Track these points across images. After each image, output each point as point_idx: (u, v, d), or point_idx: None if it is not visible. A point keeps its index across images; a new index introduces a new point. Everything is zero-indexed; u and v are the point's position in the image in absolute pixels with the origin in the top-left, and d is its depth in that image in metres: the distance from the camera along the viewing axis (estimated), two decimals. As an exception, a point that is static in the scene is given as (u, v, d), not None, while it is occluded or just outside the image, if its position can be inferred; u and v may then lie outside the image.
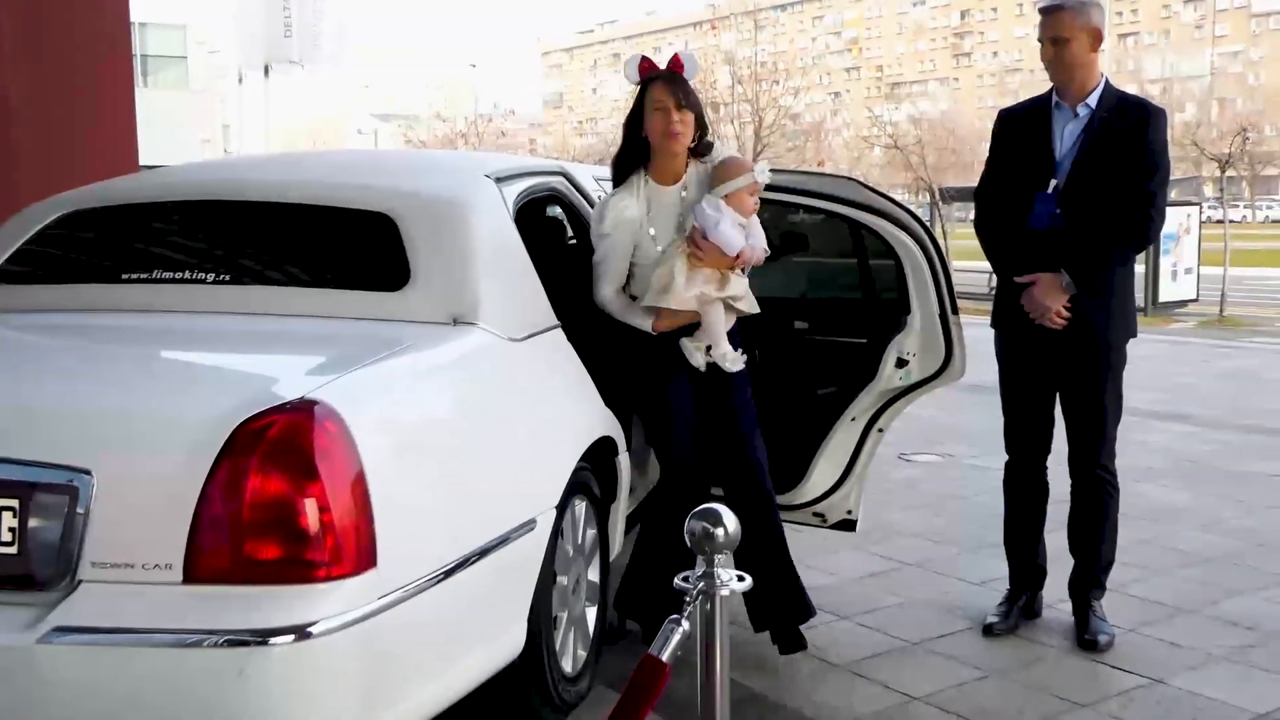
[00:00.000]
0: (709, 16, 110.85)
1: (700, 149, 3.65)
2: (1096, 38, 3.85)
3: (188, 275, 3.11)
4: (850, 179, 4.23)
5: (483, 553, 2.62)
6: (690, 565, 2.10)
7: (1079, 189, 3.80)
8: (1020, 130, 4.05)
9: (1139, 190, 3.79)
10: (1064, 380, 3.88)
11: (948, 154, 37.44)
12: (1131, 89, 4.08)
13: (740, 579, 2.03)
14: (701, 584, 2.00)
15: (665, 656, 1.88)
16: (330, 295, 3.03)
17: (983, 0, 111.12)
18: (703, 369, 3.52)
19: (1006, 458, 4.07)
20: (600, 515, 3.49)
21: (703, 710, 2.05)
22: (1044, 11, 3.95)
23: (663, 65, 3.66)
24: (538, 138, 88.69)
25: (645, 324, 3.53)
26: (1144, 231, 3.88)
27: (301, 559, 2.21)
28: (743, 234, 3.47)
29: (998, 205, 4.04)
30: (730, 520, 2.02)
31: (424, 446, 2.57)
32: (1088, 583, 3.86)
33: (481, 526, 2.67)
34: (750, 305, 3.58)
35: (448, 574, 2.49)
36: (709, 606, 1.99)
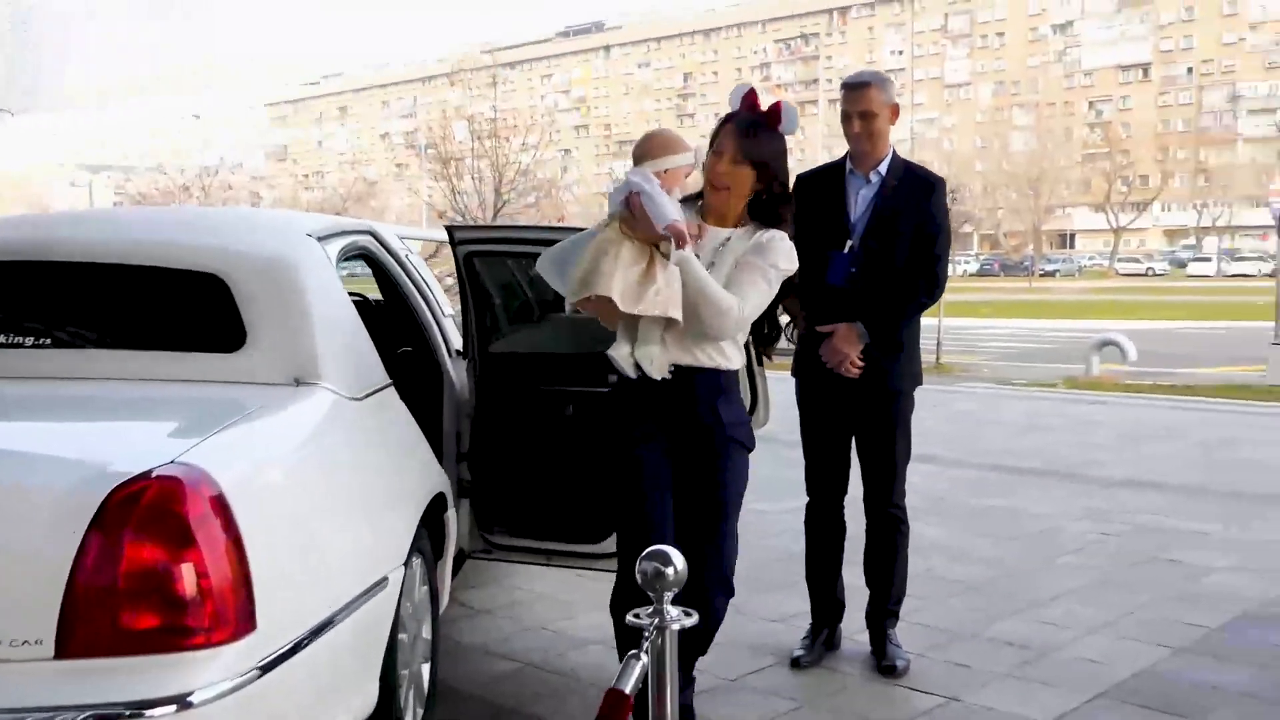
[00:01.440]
0: (439, 71, 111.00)
1: (763, 213, 3.19)
2: (895, 112, 4.13)
3: (8, 340, 2.97)
4: None
5: (346, 612, 2.62)
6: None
7: (872, 250, 4.05)
8: (817, 193, 4.22)
9: (926, 253, 4.08)
10: (859, 425, 4.12)
11: (682, 208, 38.70)
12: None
13: (687, 614, 2.12)
14: (655, 620, 2.09)
15: (628, 689, 1.98)
16: (164, 358, 2.95)
17: (704, 65, 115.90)
18: (659, 376, 3.07)
19: (800, 500, 4.26)
20: (430, 571, 3.49)
21: None
22: (851, 87, 4.16)
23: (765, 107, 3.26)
24: (261, 191, 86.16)
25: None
26: (930, 290, 4.14)
27: (180, 626, 2.17)
28: (677, 209, 3.03)
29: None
30: (678, 560, 2.10)
31: (289, 507, 2.55)
32: (883, 614, 4.12)
33: (344, 585, 2.67)
34: (675, 308, 3.03)
35: (316, 634, 2.48)
36: (660, 642, 2.09)
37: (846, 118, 4.14)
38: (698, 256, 3.07)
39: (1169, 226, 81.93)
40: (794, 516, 4.42)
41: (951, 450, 8.46)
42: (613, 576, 4.29)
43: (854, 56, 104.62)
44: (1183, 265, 68.96)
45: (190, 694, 2.13)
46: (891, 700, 3.74)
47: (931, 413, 10.91)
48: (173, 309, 3.12)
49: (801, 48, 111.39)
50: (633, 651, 2.05)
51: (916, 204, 4.12)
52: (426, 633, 3.43)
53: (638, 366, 3.08)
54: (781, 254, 3.10)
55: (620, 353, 3.09)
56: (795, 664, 4.08)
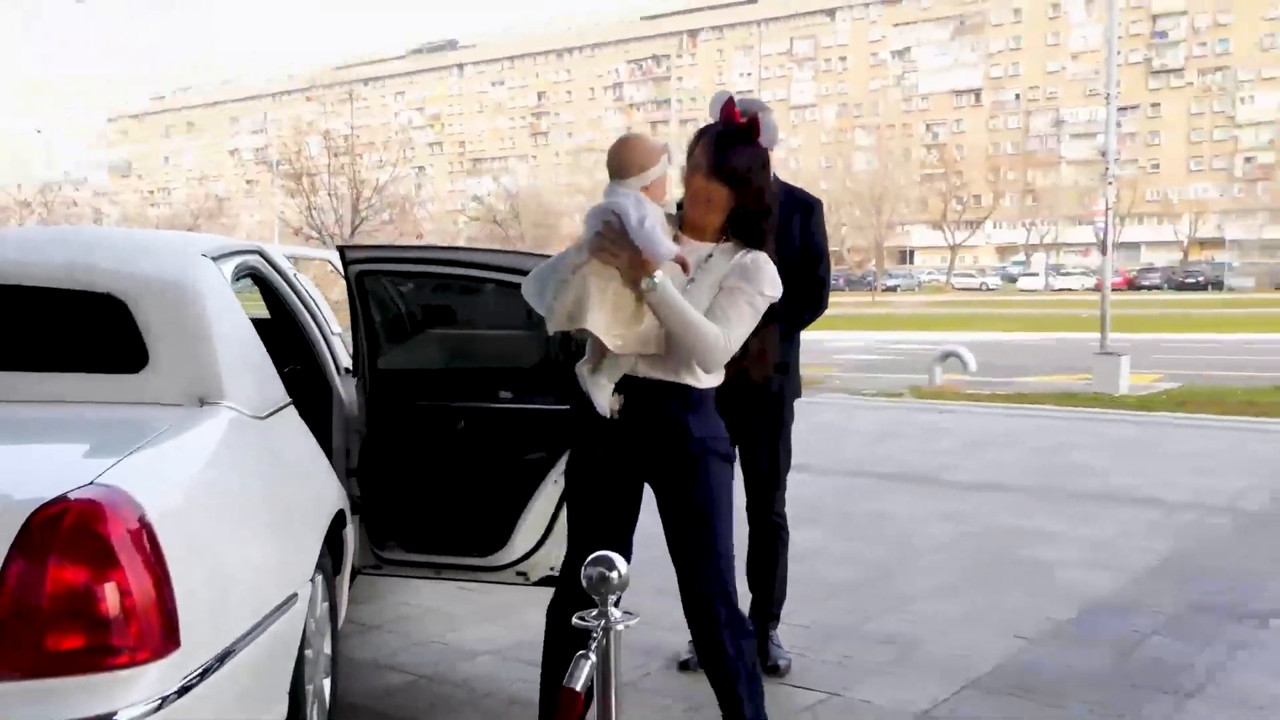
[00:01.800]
0: (291, 87, 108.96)
1: (744, 230, 2.97)
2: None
3: None
4: (550, 256, 4.36)
5: (261, 628, 2.60)
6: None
7: None
8: None
9: (811, 275, 4.22)
10: (743, 435, 4.20)
11: (543, 226, 38.79)
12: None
13: (628, 614, 2.21)
14: (601, 622, 2.18)
15: (579, 687, 2.06)
16: (67, 379, 2.88)
17: (557, 84, 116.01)
18: (608, 414, 2.88)
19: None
20: (330, 587, 3.47)
21: None
22: None
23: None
24: (103, 206, 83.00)
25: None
26: (815, 308, 4.30)
27: (105, 646, 2.14)
28: (668, 236, 2.80)
29: None
30: (621, 564, 2.18)
31: (206, 526, 2.53)
32: (766, 616, 4.24)
33: (259, 601, 2.66)
34: (660, 343, 2.86)
35: (234, 650, 2.46)
36: (605, 642, 2.18)
37: None
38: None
39: (1000, 244, 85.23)
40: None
41: (818, 459, 8.63)
42: (498, 589, 4.37)
43: (704, 78, 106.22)
44: (1014, 280, 72.14)
45: (115, 714, 2.11)
46: (776, 698, 3.84)
47: (797, 424, 11.24)
48: (73, 330, 3.05)
49: (653, 68, 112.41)
50: (581, 651, 2.13)
51: (801, 225, 4.24)
52: (327, 648, 3.41)
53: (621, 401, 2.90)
54: (767, 280, 2.89)
55: (600, 381, 2.88)
56: (683, 666, 4.17)
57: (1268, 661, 4.36)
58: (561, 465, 3.84)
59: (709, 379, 2.93)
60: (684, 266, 2.75)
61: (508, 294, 3.73)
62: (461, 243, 36.62)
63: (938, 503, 7.26)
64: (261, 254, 4.03)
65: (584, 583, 2.24)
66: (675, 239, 2.85)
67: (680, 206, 3.01)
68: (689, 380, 2.88)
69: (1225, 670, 4.21)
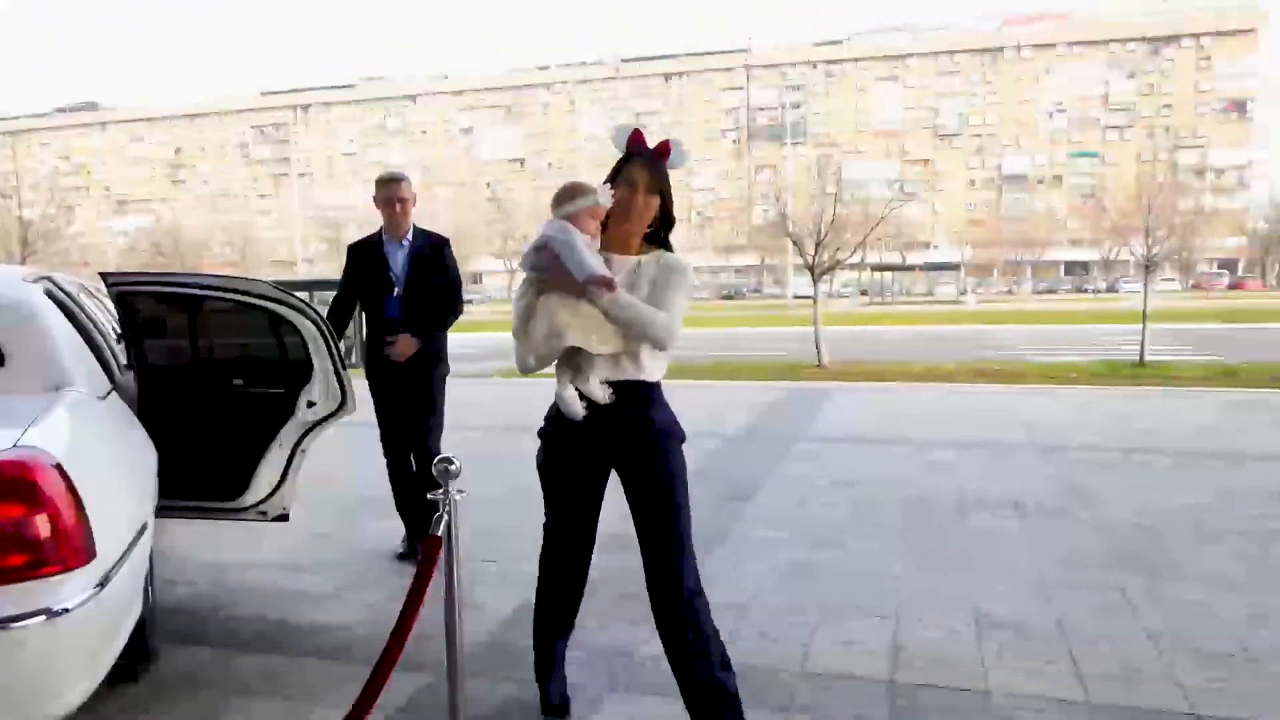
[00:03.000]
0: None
1: (660, 239, 2.70)
2: (414, 199, 4.46)
3: None
4: (260, 280, 4.01)
5: (135, 542, 2.74)
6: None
7: (412, 292, 4.39)
8: (365, 257, 4.46)
9: (450, 294, 4.46)
10: (410, 399, 4.47)
11: (190, 256, 35.59)
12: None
13: (460, 491, 2.44)
14: (445, 497, 2.44)
15: (440, 533, 2.31)
16: None
17: (192, 141, 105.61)
18: (579, 415, 2.56)
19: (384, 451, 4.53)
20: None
21: (446, 585, 2.42)
22: (388, 182, 4.40)
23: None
24: None
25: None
26: (455, 313, 4.51)
27: (42, 560, 2.27)
28: (597, 258, 2.52)
29: (352, 304, 4.54)
30: (459, 461, 2.45)
31: (97, 469, 2.64)
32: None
33: (132, 524, 2.79)
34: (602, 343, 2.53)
35: (124, 559, 2.60)
36: (450, 511, 2.42)
37: (388, 202, 4.36)
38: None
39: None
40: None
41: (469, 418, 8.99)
42: (237, 525, 4.34)
43: (318, 143, 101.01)
44: (553, 295, 75.04)
45: (54, 606, 2.25)
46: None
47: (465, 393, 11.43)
48: None
49: (274, 133, 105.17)
50: (437, 514, 2.37)
51: (437, 258, 4.44)
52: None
53: (587, 406, 2.57)
54: (690, 276, 2.60)
55: (569, 393, 2.57)
56: (401, 558, 4.47)
57: (751, 519, 5.23)
58: (286, 431, 3.81)
59: (658, 372, 2.62)
60: (607, 287, 2.45)
61: (236, 308, 3.67)
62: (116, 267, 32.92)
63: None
64: (51, 279, 3.89)
65: (433, 472, 2.45)
66: (607, 261, 2.57)
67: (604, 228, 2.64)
68: (643, 376, 2.57)
69: (730, 526, 5.07)
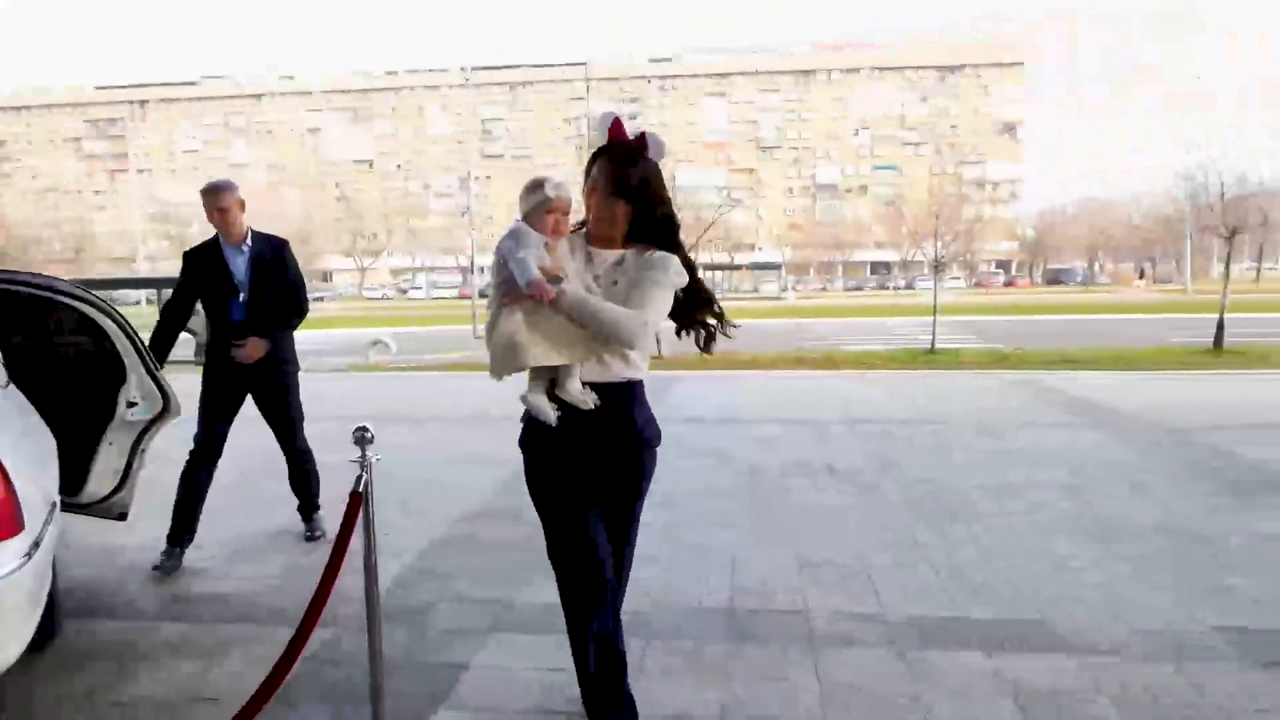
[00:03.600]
0: None
1: (648, 236, 2.35)
2: (243, 204, 4.22)
3: None
4: (59, 278, 3.69)
5: (48, 520, 2.77)
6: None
7: (256, 296, 4.23)
8: (205, 262, 4.23)
9: (294, 297, 4.35)
10: (259, 392, 4.34)
11: (17, 249, 32.50)
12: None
13: (376, 457, 2.46)
14: (363, 460, 2.50)
15: (360, 490, 2.42)
16: None
17: (19, 135, 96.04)
18: (552, 420, 2.29)
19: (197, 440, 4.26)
20: None
21: (365, 538, 2.48)
22: (214, 191, 4.14)
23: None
24: None
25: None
26: (300, 315, 4.42)
27: None
28: (537, 262, 2.20)
29: (188, 308, 4.25)
30: (372, 430, 2.42)
31: (16, 451, 2.65)
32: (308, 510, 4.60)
33: (45, 503, 2.80)
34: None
35: (44, 532, 2.64)
36: (368, 471, 2.51)
37: (220, 211, 4.13)
38: (597, 280, 2.30)
39: (395, 267, 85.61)
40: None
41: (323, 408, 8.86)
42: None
43: (158, 139, 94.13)
44: (405, 292, 73.19)
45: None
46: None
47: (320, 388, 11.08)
48: None
49: (109, 128, 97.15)
50: (358, 474, 2.46)
51: (277, 260, 4.30)
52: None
53: (559, 408, 2.30)
54: (672, 269, 2.29)
55: (539, 401, 2.30)
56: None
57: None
58: (117, 432, 3.64)
59: (640, 371, 2.38)
60: (540, 295, 2.16)
61: (48, 304, 3.46)
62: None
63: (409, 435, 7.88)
64: None
65: (353, 439, 2.46)
66: (589, 257, 2.33)
67: (584, 224, 2.41)
68: (629, 375, 2.34)
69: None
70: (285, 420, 4.45)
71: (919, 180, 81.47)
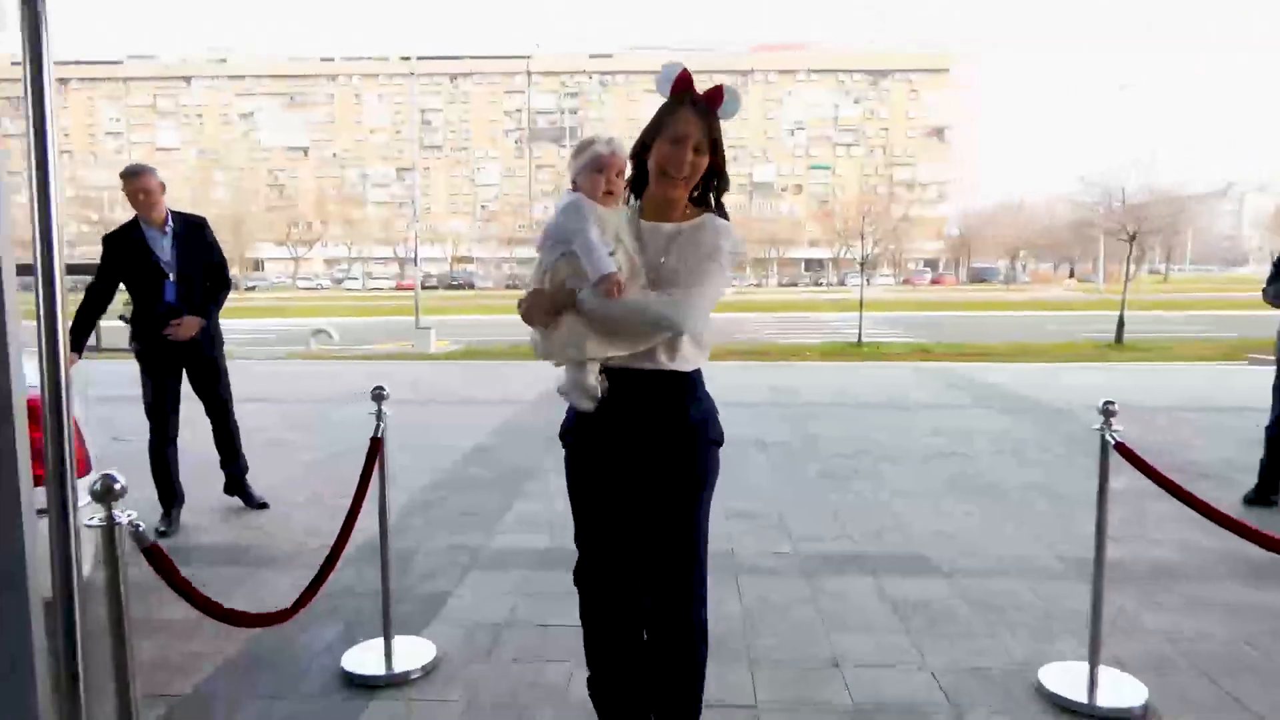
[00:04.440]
0: None
1: (708, 201, 2.04)
2: (163, 187, 4.28)
3: None
4: None
5: None
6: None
7: (183, 275, 4.29)
8: (126, 246, 4.21)
9: (221, 273, 4.41)
10: (192, 369, 4.40)
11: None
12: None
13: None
14: (379, 412, 2.78)
15: (378, 435, 2.82)
16: None
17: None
18: (587, 407, 1.98)
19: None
20: None
21: (380, 477, 2.77)
22: (127, 176, 4.14)
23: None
24: None
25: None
26: (226, 288, 4.42)
27: None
28: (607, 245, 1.89)
29: (109, 293, 4.24)
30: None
31: None
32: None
33: None
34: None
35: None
36: (383, 420, 2.81)
37: (144, 193, 4.15)
38: (644, 256, 1.95)
39: (329, 257, 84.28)
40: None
41: (268, 389, 9.31)
42: None
43: (77, 121, 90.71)
44: (340, 282, 72.15)
45: None
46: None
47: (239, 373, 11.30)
48: None
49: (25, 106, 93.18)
50: (376, 423, 2.86)
51: (201, 239, 4.36)
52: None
53: (605, 391, 1.98)
54: (732, 239, 1.95)
55: (588, 379, 1.98)
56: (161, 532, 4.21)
57: (560, 456, 6.22)
58: None
59: (698, 359, 2.03)
60: (612, 290, 1.85)
61: None
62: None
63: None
64: None
65: (370, 395, 2.67)
66: (641, 231, 1.99)
67: (636, 195, 2.05)
68: (676, 366, 1.98)
69: (542, 460, 5.96)
70: (218, 394, 4.51)
71: (852, 180, 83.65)
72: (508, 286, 65.09)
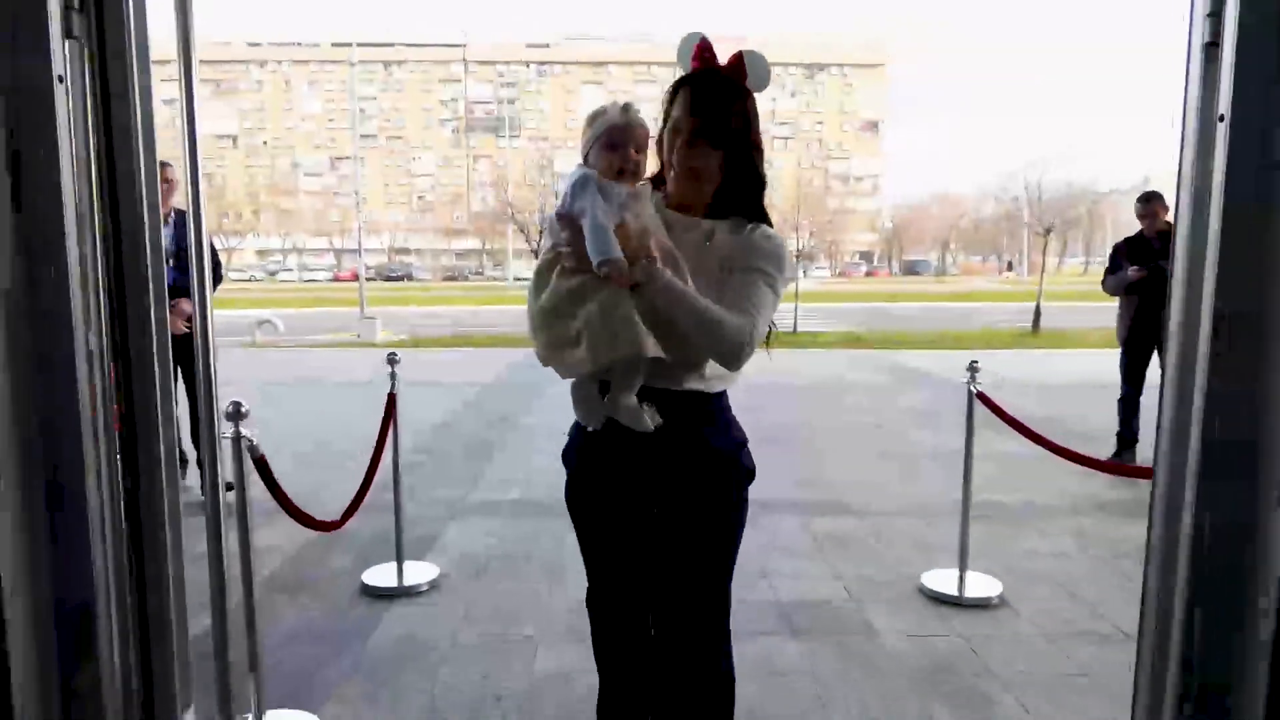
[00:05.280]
0: None
1: (740, 201, 1.71)
2: (176, 183, 4.28)
3: None
4: None
5: None
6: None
7: (179, 264, 4.23)
8: None
9: (213, 255, 3.94)
10: (180, 356, 4.19)
11: None
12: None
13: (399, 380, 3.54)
14: (392, 377, 3.52)
15: (393, 391, 3.46)
16: None
17: None
18: (652, 427, 1.66)
19: None
20: None
21: (394, 437, 3.33)
22: (163, 165, 4.52)
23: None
24: None
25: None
26: (218, 279, 4.52)
27: None
28: (613, 218, 1.57)
29: None
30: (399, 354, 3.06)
31: None
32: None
33: None
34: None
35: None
36: (397, 383, 3.53)
37: (166, 184, 4.08)
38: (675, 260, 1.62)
39: (261, 248, 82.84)
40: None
41: (234, 377, 9.63)
42: None
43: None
44: (274, 274, 71.16)
45: None
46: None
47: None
48: None
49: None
50: (389, 389, 3.54)
51: (183, 226, 4.26)
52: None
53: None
54: (786, 261, 1.68)
55: (631, 403, 1.66)
56: None
57: (523, 430, 6.82)
58: None
59: (720, 383, 1.77)
60: (617, 279, 1.55)
61: None
62: None
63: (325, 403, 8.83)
64: None
65: (386, 359, 3.24)
66: (667, 225, 1.68)
67: (660, 180, 1.76)
68: (703, 386, 1.73)
69: (505, 436, 6.62)
70: (190, 371, 4.63)
71: (788, 173, 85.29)
72: (446, 278, 65.04)
